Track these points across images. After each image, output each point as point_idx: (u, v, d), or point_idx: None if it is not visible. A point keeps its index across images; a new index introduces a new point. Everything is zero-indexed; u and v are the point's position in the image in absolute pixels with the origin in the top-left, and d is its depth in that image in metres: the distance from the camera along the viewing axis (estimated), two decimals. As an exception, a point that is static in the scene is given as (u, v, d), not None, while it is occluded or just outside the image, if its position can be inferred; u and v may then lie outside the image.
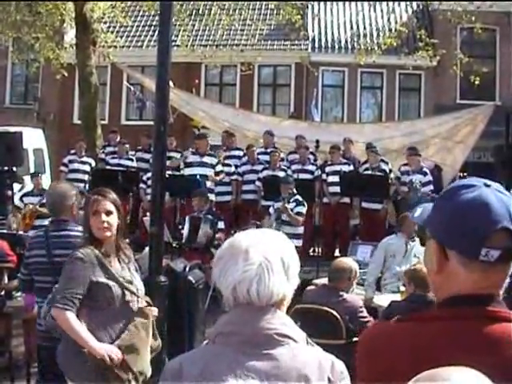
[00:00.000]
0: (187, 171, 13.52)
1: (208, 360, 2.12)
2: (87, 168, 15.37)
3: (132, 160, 15.06)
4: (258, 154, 14.66)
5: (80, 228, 5.16)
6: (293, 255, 2.25)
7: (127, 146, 15.45)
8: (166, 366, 2.30)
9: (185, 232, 11.13)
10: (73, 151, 15.68)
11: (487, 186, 1.77)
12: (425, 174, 13.49)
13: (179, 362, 2.22)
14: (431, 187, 13.32)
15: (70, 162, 15.41)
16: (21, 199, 12.50)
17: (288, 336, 2.13)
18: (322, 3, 28.16)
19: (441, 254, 1.79)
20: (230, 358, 2.08)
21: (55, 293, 4.57)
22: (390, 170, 14.13)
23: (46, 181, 18.94)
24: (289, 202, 11.44)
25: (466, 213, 1.75)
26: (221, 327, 2.19)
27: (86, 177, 15.15)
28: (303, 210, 11.53)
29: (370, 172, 13.79)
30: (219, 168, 13.64)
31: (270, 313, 2.14)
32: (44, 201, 12.52)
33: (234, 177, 14.15)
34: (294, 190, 11.68)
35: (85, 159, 15.46)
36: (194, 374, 2.12)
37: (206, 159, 13.55)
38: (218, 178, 13.53)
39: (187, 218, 11.34)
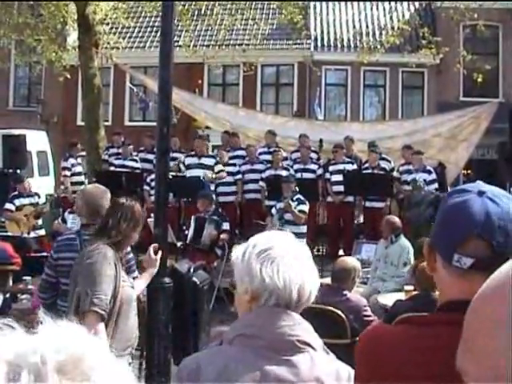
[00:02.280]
0: (187, 174, 13.57)
1: (227, 362, 2.10)
2: (82, 169, 15.66)
3: (136, 161, 15.10)
4: (261, 153, 14.69)
5: None
6: None
7: (131, 147, 15.50)
8: (181, 365, 2.27)
9: (190, 232, 11.14)
10: (67, 154, 15.80)
11: (481, 192, 1.75)
12: (429, 172, 13.50)
13: (196, 361, 2.20)
14: (436, 186, 13.33)
15: (73, 165, 15.50)
16: (11, 202, 12.49)
17: (308, 344, 2.12)
18: (324, 2, 28.16)
19: (430, 253, 1.80)
20: (250, 362, 2.07)
21: (85, 293, 4.36)
22: (393, 169, 14.13)
23: (49, 183, 19.07)
24: (292, 201, 11.45)
25: (446, 216, 1.77)
26: (242, 329, 2.16)
27: (84, 177, 15.42)
28: (305, 208, 11.57)
29: (370, 171, 13.80)
30: (219, 168, 13.64)
31: (293, 318, 2.14)
32: (34, 201, 12.58)
33: (239, 176, 14.15)
34: (297, 189, 11.70)
35: (80, 161, 15.67)
36: (212, 374, 2.10)
37: (204, 160, 13.58)
38: (213, 176, 13.51)
39: (193, 218, 11.36)
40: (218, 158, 14.00)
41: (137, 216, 4.83)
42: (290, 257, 2.17)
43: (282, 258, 2.16)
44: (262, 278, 2.14)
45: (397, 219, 10.14)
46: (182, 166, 13.85)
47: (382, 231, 9.93)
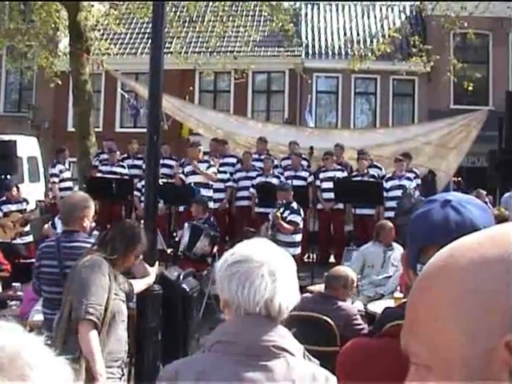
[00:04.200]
0: (187, 181, 13.54)
1: (204, 368, 2.13)
2: (70, 175, 15.84)
3: (124, 167, 15.09)
4: (252, 160, 14.65)
5: (92, 240, 5.21)
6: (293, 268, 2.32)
7: (118, 153, 15.49)
8: (162, 370, 2.32)
9: (185, 238, 11.02)
10: (55, 160, 15.80)
11: (446, 201, 1.75)
12: (410, 179, 13.60)
13: (175, 367, 2.24)
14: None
15: (61, 171, 15.49)
16: None
17: (285, 349, 2.15)
18: (315, 10, 28.24)
19: (405, 264, 1.81)
20: (227, 368, 2.10)
21: (79, 302, 4.38)
22: (384, 176, 14.14)
23: (40, 189, 19.02)
24: (281, 209, 11.26)
25: (410, 227, 1.80)
26: (219, 336, 2.20)
27: (72, 183, 15.61)
28: (297, 218, 11.26)
29: (360, 178, 13.81)
30: (212, 170, 13.59)
31: (269, 324, 2.17)
32: (22, 207, 12.58)
33: (229, 184, 14.12)
34: (284, 201, 11.40)
35: (67, 166, 15.73)
36: (189, 380, 2.13)
37: (199, 166, 13.56)
38: (213, 176, 13.48)
39: (187, 225, 11.21)
40: (211, 162, 13.94)
41: (136, 240, 4.83)
42: (261, 270, 2.19)
43: (251, 272, 2.19)
44: (229, 290, 2.21)
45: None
46: (182, 176, 13.79)
47: (382, 237, 9.74)
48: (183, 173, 13.81)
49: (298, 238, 11.46)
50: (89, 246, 5.11)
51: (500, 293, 0.81)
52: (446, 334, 0.84)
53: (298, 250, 11.47)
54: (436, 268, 0.91)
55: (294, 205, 11.36)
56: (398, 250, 9.65)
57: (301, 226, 11.46)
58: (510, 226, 0.91)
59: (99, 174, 14.94)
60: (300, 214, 11.38)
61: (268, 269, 2.19)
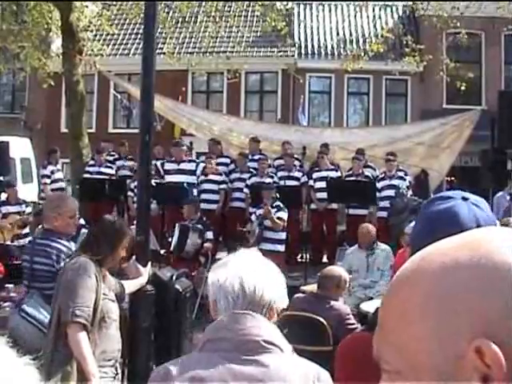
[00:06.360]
0: (167, 179, 13.55)
1: (197, 367, 2.13)
2: (61, 175, 15.90)
3: (112, 168, 15.10)
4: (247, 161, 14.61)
5: (63, 241, 5.36)
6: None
7: (105, 154, 15.48)
8: (153, 372, 2.32)
9: (174, 240, 11.10)
10: (46, 161, 15.77)
11: (465, 199, 1.76)
12: (402, 179, 13.61)
13: (167, 368, 2.23)
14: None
15: (52, 172, 15.47)
16: None
17: (274, 344, 2.16)
18: (307, 10, 28.25)
19: None
20: (219, 364, 2.11)
21: (66, 305, 4.40)
22: (377, 176, 14.15)
23: (33, 190, 18.98)
24: (271, 207, 11.48)
25: (433, 223, 1.77)
26: (209, 334, 2.21)
27: (64, 184, 15.68)
28: (284, 215, 11.60)
29: (353, 178, 13.81)
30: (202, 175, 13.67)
31: (257, 320, 2.19)
32: (21, 209, 12.56)
33: (223, 186, 14.05)
34: (277, 195, 11.71)
35: (59, 167, 15.69)
36: (183, 379, 2.13)
37: (184, 166, 13.54)
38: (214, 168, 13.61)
39: (177, 226, 11.32)
40: (209, 166, 13.92)
41: (120, 234, 4.84)
42: (238, 261, 2.35)
43: (226, 264, 2.36)
44: (212, 281, 2.34)
45: (372, 227, 10.22)
46: (160, 169, 13.81)
47: (360, 240, 9.89)
48: (163, 168, 13.81)
49: (283, 235, 11.81)
50: (55, 245, 5.35)
51: (469, 298, 0.82)
52: (416, 338, 0.84)
53: (284, 247, 11.83)
54: (407, 272, 0.91)
55: (279, 203, 11.68)
56: (382, 252, 9.67)
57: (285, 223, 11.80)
58: (483, 232, 0.91)
59: (87, 175, 14.92)
60: (285, 211, 11.71)
61: (244, 261, 2.35)
